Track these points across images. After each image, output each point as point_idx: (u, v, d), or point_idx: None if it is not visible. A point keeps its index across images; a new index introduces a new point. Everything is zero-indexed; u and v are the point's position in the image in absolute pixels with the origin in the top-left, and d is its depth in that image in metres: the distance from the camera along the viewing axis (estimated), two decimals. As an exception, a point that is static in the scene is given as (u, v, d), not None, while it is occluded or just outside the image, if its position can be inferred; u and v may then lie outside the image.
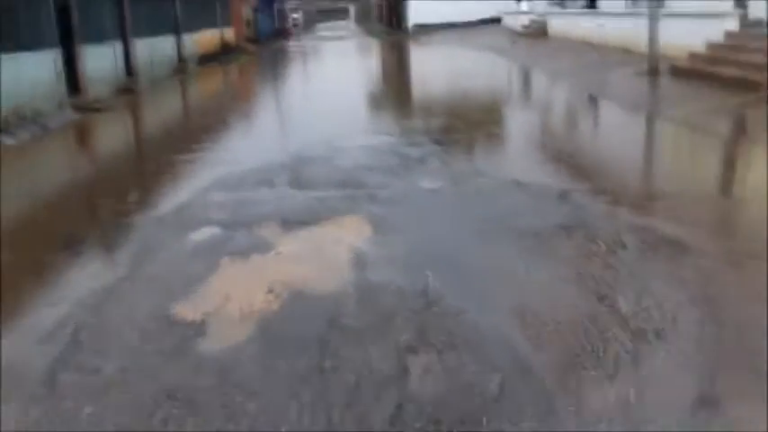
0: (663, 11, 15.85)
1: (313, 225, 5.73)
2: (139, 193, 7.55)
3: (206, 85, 22.51)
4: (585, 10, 23.82)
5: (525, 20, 29.41)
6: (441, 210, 6.09)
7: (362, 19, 70.99)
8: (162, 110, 16.63)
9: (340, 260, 4.90)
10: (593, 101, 13.34)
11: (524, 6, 32.16)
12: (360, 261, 4.84)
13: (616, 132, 10.24)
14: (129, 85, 19.04)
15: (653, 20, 14.32)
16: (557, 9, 27.24)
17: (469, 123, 11.15)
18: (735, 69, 12.22)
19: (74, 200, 7.68)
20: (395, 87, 18.49)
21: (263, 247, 5.27)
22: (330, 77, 23.15)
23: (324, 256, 5.04)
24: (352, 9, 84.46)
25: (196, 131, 12.03)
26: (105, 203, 7.34)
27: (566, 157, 8.16)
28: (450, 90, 15.66)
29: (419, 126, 10.78)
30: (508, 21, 33.49)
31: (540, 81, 17.14)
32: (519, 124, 11.18)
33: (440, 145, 9.00)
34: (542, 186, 6.57)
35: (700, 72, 13.05)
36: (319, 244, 5.30)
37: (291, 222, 5.82)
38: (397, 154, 8.45)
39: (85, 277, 4.96)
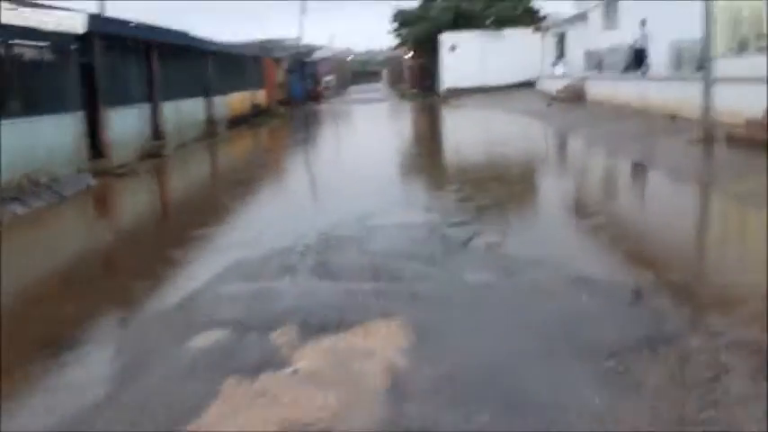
0: (715, 75, 14.96)
1: (339, 330, 4.76)
2: (145, 277, 6.66)
3: (234, 150, 21.96)
4: (626, 74, 23.01)
5: (561, 84, 28.69)
6: (494, 314, 5.09)
7: (395, 82, 71.09)
8: (186, 176, 15.98)
9: (371, 385, 3.92)
10: (645, 173, 12.32)
11: (559, 70, 31.51)
12: (396, 388, 3.86)
13: (677, 210, 9.21)
14: (155, 149, 18.49)
15: (707, 84, 13.38)
16: (594, 73, 26.49)
17: (513, 197, 10.22)
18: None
19: (69, 284, 6.83)
20: (429, 154, 17.66)
21: (277, 362, 4.32)
22: (361, 142, 22.50)
23: (351, 377, 4.08)
24: (384, 72, 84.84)
25: (218, 202, 11.24)
26: (104, 289, 6.47)
27: (628, 241, 7.15)
28: (489, 158, 14.76)
29: (458, 199, 9.84)
30: (543, 84, 32.83)
31: (583, 150, 16.19)
32: (568, 200, 10.18)
33: (483, 223, 8.05)
34: (609, 282, 5.56)
35: (759, 141, 12.02)
36: (346, 358, 4.34)
37: (313, 326, 4.87)
38: (436, 234, 7.51)
39: (55, 398, 4.03)
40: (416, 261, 6.42)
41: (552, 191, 11.13)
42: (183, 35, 22.19)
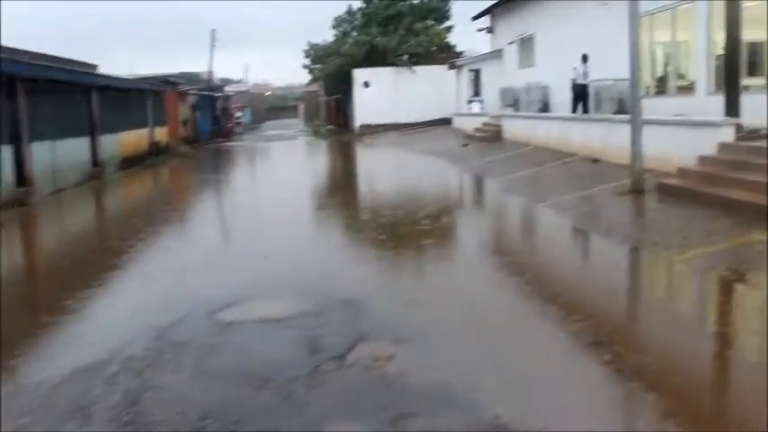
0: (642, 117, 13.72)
1: None
2: None
3: (116, 197, 19.62)
4: (551, 114, 21.88)
5: (477, 122, 27.48)
6: None
7: (311, 117, 69.45)
8: (39, 235, 13.62)
9: None
10: (576, 233, 10.72)
11: (475, 108, 30.38)
12: None
13: (615, 281, 7.64)
14: (18, 197, 16.04)
15: (635, 130, 12.02)
16: (510, 111, 25.37)
17: (416, 267, 8.50)
18: (738, 191, 9.87)
19: None
20: (330, 202, 15.81)
21: None
22: (262, 188, 20.55)
23: None
24: (301, 107, 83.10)
25: (59, 276, 9.08)
26: None
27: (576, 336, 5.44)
28: (393, 219, 12.97)
29: (353, 273, 8.03)
30: (459, 122, 31.63)
31: (502, 200, 14.58)
32: (481, 275, 8.45)
33: (376, 313, 6.24)
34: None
35: (694, 193, 10.68)
36: None
37: None
38: (309, 338, 5.62)
39: None
40: (268, 393, 4.50)
41: (463, 259, 9.41)
42: (56, 68, 19.86)
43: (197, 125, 41.66)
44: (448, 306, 6.68)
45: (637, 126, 11.95)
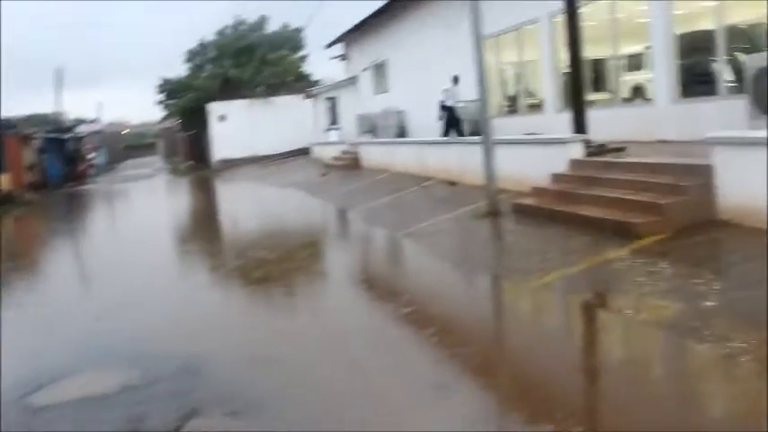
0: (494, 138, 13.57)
1: None
2: None
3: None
4: (406, 139, 21.64)
5: (335, 150, 27.00)
6: None
7: (171, 154, 66.98)
8: None
9: None
10: (435, 263, 10.21)
11: (334, 137, 29.93)
12: None
13: (473, 313, 7.14)
14: None
15: (487, 152, 11.77)
16: (369, 138, 25.05)
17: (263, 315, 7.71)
18: (591, 207, 9.71)
19: None
20: (186, 246, 14.72)
21: None
22: (114, 231, 19.10)
23: None
24: (160, 144, 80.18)
25: None
26: None
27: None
28: (248, 261, 12.09)
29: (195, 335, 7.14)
30: (317, 152, 31.07)
31: (361, 232, 13.99)
32: (341, 324, 7.77)
33: (215, 380, 5.41)
34: None
35: (549, 211, 10.47)
36: None
37: None
38: (131, 418, 4.72)
39: None
40: None
41: (319, 301, 8.70)
42: None
43: (45, 169, 38.99)
44: (300, 359, 5.94)
45: (488, 147, 11.70)
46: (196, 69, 42.24)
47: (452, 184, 15.67)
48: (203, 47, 42.59)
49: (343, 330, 6.94)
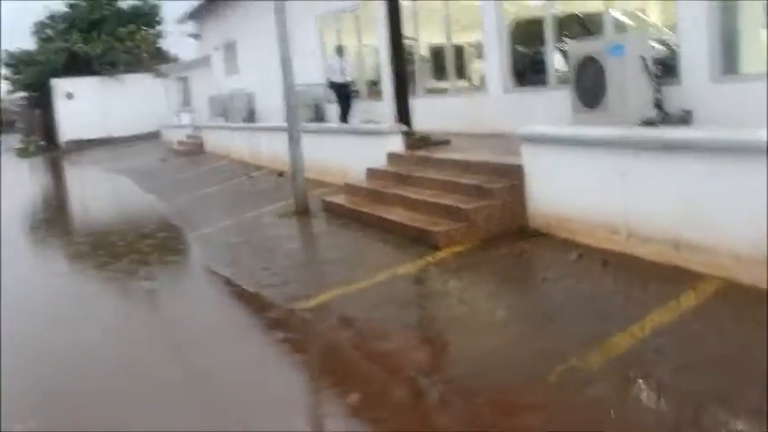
0: (310, 126, 12.30)
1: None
2: None
3: None
4: (242, 124, 20.02)
5: (182, 134, 25.06)
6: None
7: (30, 132, 61.93)
8: None
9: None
10: (203, 275, 8.70)
11: (185, 119, 27.86)
12: None
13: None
14: None
15: (293, 143, 10.41)
16: (220, 122, 23.27)
17: None
18: (398, 209, 8.53)
19: None
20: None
21: None
22: None
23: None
24: (20, 121, 74.30)
25: None
26: None
27: None
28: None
29: None
30: (167, 134, 28.92)
31: (155, 229, 12.11)
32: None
33: None
34: None
35: (357, 213, 9.23)
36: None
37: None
38: None
39: None
40: None
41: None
42: None
43: None
44: None
45: (295, 138, 10.35)
46: (45, 42, 38.82)
47: (280, 174, 14.22)
48: (53, 19, 39.17)
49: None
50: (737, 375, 4.10)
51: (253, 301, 6.86)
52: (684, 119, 8.47)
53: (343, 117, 15.10)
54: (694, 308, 5.07)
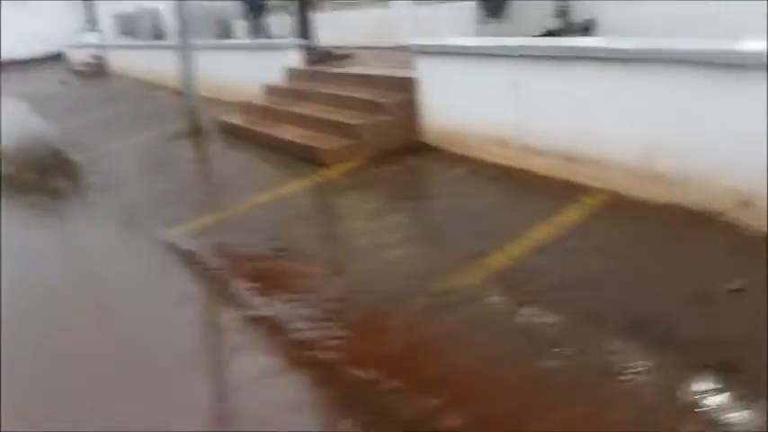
0: (208, 43, 11.59)
1: None
2: None
3: None
4: (144, 43, 18.92)
5: (86, 55, 23.63)
6: None
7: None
8: None
9: None
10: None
11: (90, 38, 26.27)
12: None
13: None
14: None
15: (185, 60, 9.72)
16: (127, 41, 22.01)
17: None
18: (291, 128, 8.08)
19: None
20: None
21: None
22: None
23: None
24: None
25: None
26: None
27: None
28: None
29: None
30: (72, 55, 27.29)
31: (41, 152, 11.35)
32: None
33: None
34: None
35: (252, 133, 8.70)
36: None
37: None
38: None
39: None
40: None
41: None
42: None
43: None
44: None
45: (186, 56, 9.66)
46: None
47: (179, 93, 13.42)
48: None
49: None
50: (612, 293, 3.87)
51: (121, 229, 6.33)
52: (587, 28, 8.13)
53: (256, 33, 14.19)
54: (577, 223, 4.81)
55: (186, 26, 9.72)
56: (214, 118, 9.85)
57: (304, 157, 7.34)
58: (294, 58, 9.76)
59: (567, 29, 8.03)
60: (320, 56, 9.90)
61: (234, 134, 9.19)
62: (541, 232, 4.75)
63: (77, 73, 22.20)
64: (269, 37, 13.26)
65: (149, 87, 15.42)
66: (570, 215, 4.96)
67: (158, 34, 21.04)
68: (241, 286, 4.59)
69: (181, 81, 9.73)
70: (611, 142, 5.23)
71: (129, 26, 23.38)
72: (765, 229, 4.20)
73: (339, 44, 10.78)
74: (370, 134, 7.08)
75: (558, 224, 4.84)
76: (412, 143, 7.17)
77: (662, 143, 4.82)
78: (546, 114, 5.75)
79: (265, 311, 4.18)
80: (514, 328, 3.64)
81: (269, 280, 4.66)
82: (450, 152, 6.82)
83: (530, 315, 3.72)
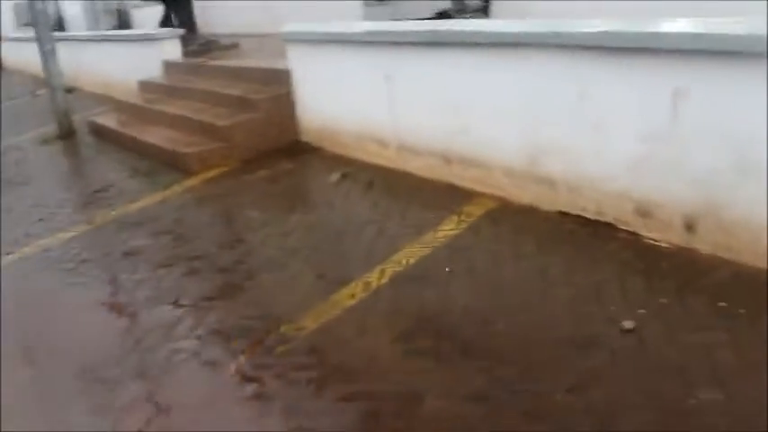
0: (78, 35, 10.59)
1: None
2: None
3: None
4: (32, 35, 17.50)
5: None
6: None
7: None
8: None
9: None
10: None
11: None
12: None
13: None
14: None
15: (48, 56, 8.72)
16: (26, 33, 20.52)
17: None
18: (159, 129, 7.24)
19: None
20: None
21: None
22: None
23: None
24: None
25: None
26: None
27: None
28: None
29: None
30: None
31: None
32: None
33: None
34: None
35: (119, 135, 7.78)
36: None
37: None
38: None
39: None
40: None
41: None
42: None
43: None
44: None
45: (48, 50, 8.67)
46: None
47: (69, 91, 12.30)
48: None
49: None
50: (479, 341, 3.15)
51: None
52: (483, 11, 7.40)
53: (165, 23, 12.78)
54: (452, 239, 4.08)
55: (42, 15, 8.71)
56: (88, 118, 8.89)
57: (168, 163, 6.49)
58: (173, 50, 8.81)
59: (462, 10, 7.28)
60: (202, 47, 8.97)
61: (104, 137, 8.27)
62: (411, 253, 4.01)
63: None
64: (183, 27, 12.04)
65: (37, 83, 14.22)
66: (446, 229, 4.23)
67: (58, 25, 19.69)
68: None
69: (46, 79, 8.70)
70: (494, 141, 4.50)
71: (29, 16, 21.84)
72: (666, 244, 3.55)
73: (233, 32, 9.89)
74: (238, 135, 6.27)
75: (432, 242, 4.11)
76: (289, 143, 6.39)
77: (552, 143, 4.11)
78: (421, 109, 5.01)
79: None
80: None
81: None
82: (328, 152, 6.07)
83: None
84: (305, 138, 6.34)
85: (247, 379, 3.09)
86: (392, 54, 5.15)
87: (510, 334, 3.10)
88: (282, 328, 3.42)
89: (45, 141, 8.74)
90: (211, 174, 6.07)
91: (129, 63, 9.80)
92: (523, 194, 4.35)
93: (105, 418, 3.00)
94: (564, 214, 4.08)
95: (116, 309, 4.01)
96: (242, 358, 3.24)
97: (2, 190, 6.87)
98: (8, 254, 5.12)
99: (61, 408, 3.16)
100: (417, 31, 4.95)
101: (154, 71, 8.92)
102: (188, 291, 4.03)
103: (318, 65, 6.06)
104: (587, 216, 3.96)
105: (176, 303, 3.89)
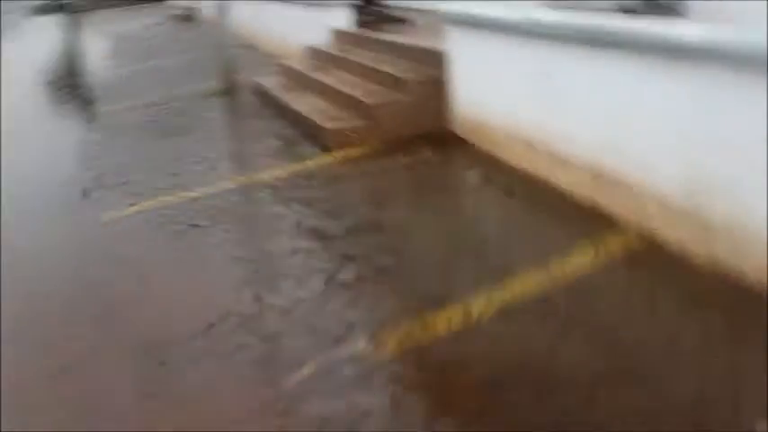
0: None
1: None
2: None
3: None
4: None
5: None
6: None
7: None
8: None
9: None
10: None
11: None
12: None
13: None
14: None
15: (223, 8, 8.80)
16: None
17: None
18: (312, 99, 7.01)
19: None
20: None
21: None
22: None
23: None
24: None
25: None
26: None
27: None
28: None
29: None
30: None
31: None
32: None
33: None
34: None
35: (275, 100, 7.71)
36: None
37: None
38: None
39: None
40: None
41: None
42: None
43: None
44: None
45: (223, 6, 8.71)
46: None
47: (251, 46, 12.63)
48: None
49: None
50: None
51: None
52: (676, 9, 6.53)
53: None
54: (581, 278, 3.52)
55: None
56: (253, 77, 8.94)
57: (310, 135, 6.29)
58: (341, 19, 8.62)
59: (650, 8, 6.46)
60: (373, 18, 8.68)
61: (262, 98, 8.25)
62: (529, 280, 3.50)
63: (173, 17, 21.89)
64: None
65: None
66: (575, 261, 3.67)
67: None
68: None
69: (216, 36, 8.81)
70: (648, 162, 3.85)
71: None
72: None
73: (408, 6, 9.52)
74: (384, 115, 5.92)
75: (555, 271, 3.56)
76: (435, 130, 5.96)
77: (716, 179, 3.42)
78: (579, 114, 4.41)
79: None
80: None
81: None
82: (475, 146, 5.59)
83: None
84: (453, 127, 5.90)
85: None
86: (556, 49, 4.57)
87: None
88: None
89: (206, 96, 8.85)
90: (349, 153, 5.78)
91: (301, 26, 9.75)
92: (675, 234, 3.68)
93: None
94: (718, 265, 3.38)
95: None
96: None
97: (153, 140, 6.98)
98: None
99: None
100: (594, 28, 4.33)
101: (324, 37, 8.78)
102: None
103: (476, 49, 5.58)
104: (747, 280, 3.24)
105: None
